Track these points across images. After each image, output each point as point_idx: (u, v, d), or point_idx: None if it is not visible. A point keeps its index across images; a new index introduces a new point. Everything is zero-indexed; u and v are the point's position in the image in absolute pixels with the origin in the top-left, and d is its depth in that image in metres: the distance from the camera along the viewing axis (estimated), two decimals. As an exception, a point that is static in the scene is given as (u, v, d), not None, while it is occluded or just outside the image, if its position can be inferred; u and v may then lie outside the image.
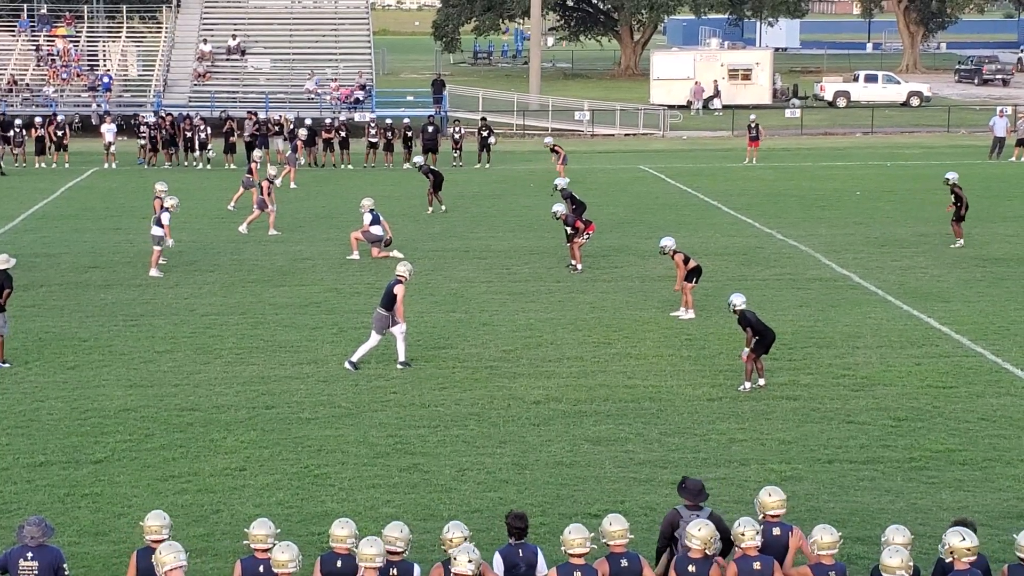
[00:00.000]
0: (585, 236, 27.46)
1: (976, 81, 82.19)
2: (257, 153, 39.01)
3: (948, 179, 30.49)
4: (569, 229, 27.37)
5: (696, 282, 23.34)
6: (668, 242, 23.44)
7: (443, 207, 35.14)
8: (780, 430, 17.30)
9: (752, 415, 17.90)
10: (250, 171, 36.01)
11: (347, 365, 20.08)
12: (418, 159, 38.41)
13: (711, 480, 15.25)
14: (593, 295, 25.21)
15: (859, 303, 24.39)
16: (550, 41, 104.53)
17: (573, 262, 27.37)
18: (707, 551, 10.74)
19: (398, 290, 20.16)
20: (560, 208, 28.17)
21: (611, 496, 14.94)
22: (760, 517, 11.27)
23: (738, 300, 19.26)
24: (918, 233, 31.81)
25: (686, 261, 23.18)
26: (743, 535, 10.73)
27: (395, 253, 28.69)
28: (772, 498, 11.32)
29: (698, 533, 10.73)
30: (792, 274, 27.19)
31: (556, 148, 40.74)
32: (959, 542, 10.29)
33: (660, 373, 19.94)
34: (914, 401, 18.34)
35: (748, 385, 18.97)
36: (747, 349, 19.06)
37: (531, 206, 35.88)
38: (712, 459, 16.23)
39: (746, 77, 69.22)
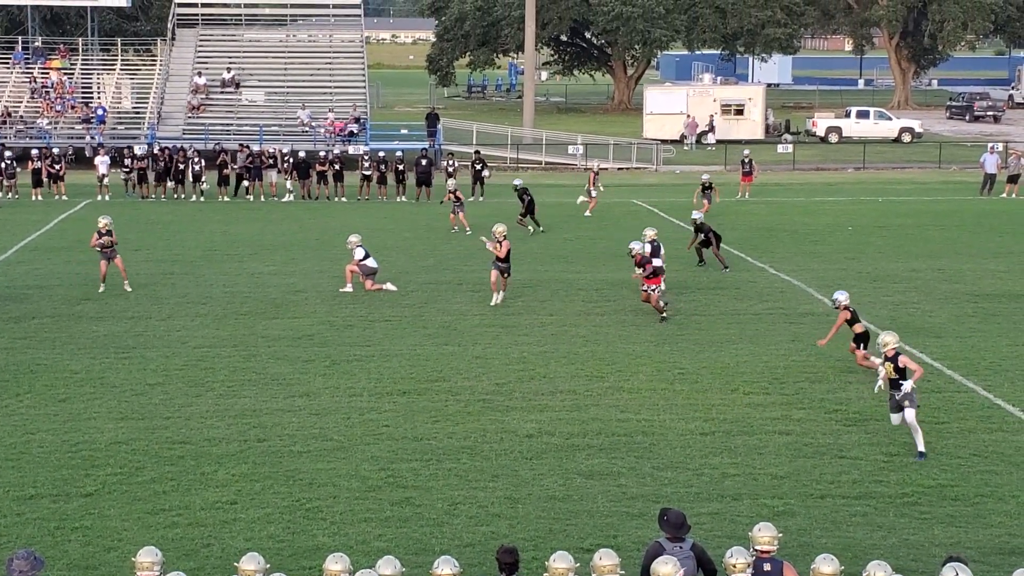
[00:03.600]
0: (648, 287, 25.89)
1: (967, 118, 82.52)
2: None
3: None
4: (639, 270, 26.24)
5: (864, 347, 21.67)
6: (841, 296, 22.15)
7: (540, 228, 37.29)
8: (773, 465, 17.29)
9: (745, 450, 17.89)
10: (458, 199, 37.76)
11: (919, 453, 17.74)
12: (518, 181, 39.78)
13: (703, 515, 15.25)
14: (586, 328, 25.21)
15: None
16: (544, 75, 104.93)
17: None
18: None
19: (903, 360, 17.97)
20: (636, 246, 26.56)
21: (604, 531, 14.90)
22: (751, 552, 11.26)
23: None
24: (910, 268, 31.88)
25: (851, 322, 21.88)
26: (734, 566, 10.72)
27: (388, 286, 28.71)
28: (763, 533, 11.31)
29: (662, 570, 10.58)
30: (784, 308, 27.22)
31: (712, 185, 41.12)
32: None
33: (653, 407, 19.93)
34: (906, 436, 18.30)
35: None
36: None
37: (523, 239, 35.92)
38: (704, 494, 16.20)
39: (739, 112, 69.50)
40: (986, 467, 17.22)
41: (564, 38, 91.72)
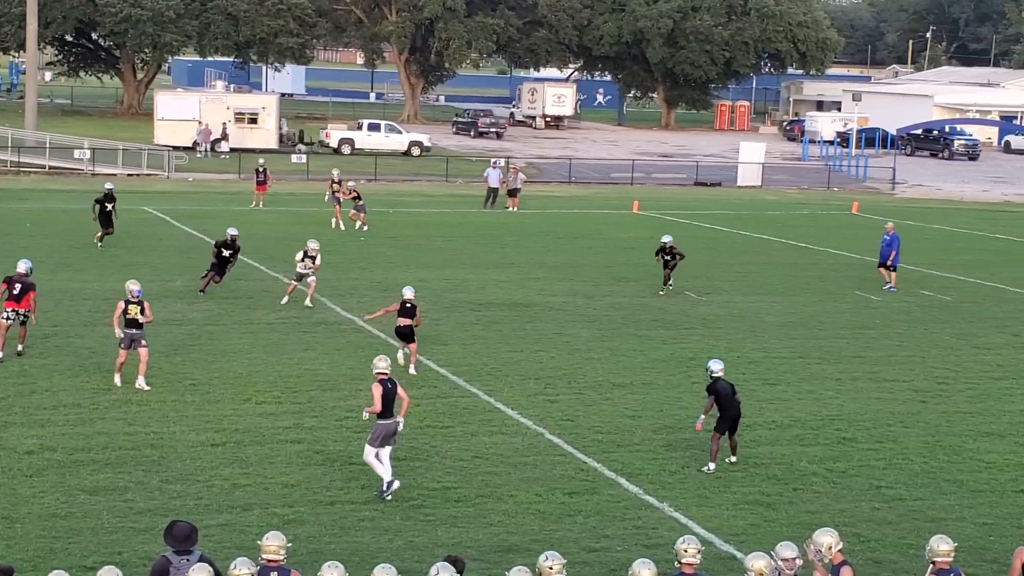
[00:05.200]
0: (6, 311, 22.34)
1: (472, 133, 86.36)
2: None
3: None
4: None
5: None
6: (715, 365, 18.27)
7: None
8: (284, 473, 17.37)
9: (256, 459, 17.87)
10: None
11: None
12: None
13: (213, 527, 15.09)
14: (92, 340, 24.26)
15: (363, 347, 24.90)
16: (48, 76, 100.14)
17: None
18: None
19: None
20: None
21: (108, 547, 14.42)
22: (259, 561, 11.27)
23: (716, 367, 17.47)
24: (418, 278, 32.81)
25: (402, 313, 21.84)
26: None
27: None
28: (271, 543, 11.26)
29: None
30: (298, 318, 27.40)
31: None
32: None
33: (163, 419, 19.51)
34: (413, 441, 18.91)
35: (712, 466, 17.81)
36: (703, 417, 18.00)
37: (27, 247, 34.10)
38: (215, 505, 16.04)
39: (253, 121, 69.35)
40: (487, 468, 18.09)
41: (69, 38, 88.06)
